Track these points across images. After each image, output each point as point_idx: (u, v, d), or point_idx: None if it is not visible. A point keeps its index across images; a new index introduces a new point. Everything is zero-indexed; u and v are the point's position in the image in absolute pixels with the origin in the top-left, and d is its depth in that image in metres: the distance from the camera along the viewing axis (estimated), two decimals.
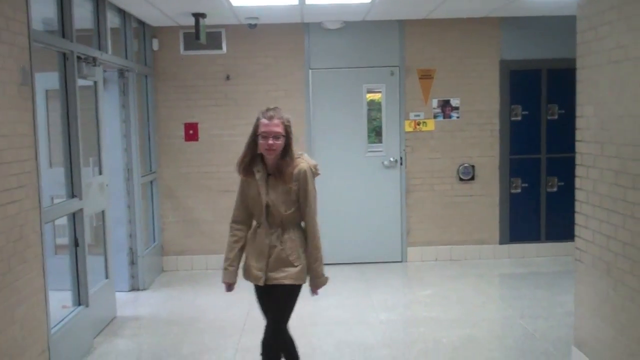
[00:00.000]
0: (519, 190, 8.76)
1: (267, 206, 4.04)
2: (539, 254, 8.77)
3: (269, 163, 4.07)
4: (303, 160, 4.11)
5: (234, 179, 4.36)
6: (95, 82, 6.38)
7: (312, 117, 8.62)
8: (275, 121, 3.99)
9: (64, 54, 5.60)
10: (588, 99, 4.70)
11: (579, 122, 4.87)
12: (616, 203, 4.36)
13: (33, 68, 4.77)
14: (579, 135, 4.89)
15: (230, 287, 4.29)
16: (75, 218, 5.68)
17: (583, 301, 4.97)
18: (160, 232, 8.60)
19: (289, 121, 4.06)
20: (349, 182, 8.69)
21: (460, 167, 8.66)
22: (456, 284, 7.65)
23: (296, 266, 4.11)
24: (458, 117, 8.63)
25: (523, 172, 8.73)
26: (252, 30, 8.32)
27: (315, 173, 4.13)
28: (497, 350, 5.67)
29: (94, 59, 6.12)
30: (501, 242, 8.81)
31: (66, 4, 5.63)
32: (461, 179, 8.68)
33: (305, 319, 6.38)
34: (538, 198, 8.77)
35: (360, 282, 7.87)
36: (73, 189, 5.66)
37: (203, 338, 6.09)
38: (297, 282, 4.14)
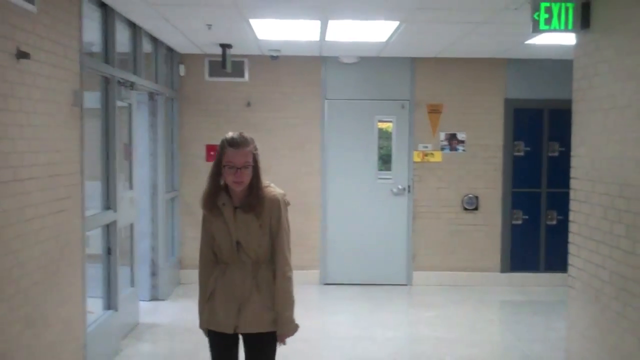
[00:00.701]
0: (520, 222, 9.23)
1: (238, 243, 3.59)
2: (537, 284, 9.19)
3: (236, 195, 3.59)
4: (273, 189, 3.67)
5: None
6: (129, 104, 6.90)
7: (327, 144, 9.13)
8: (243, 150, 3.53)
9: (106, 78, 6.13)
10: (581, 140, 5.21)
11: (574, 161, 5.37)
12: (604, 235, 4.84)
13: (82, 91, 5.31)
14: (573, 172, 5.39)
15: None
16: (109, 229, 6.18)
17: (574, 324, 5.43)
18: (180, 247, 9.08)
19: (256, 149, 3.62)
20: (359, 207, 9.17)
21: (465, 198, 9.14)
22: (458, 308, 8.10)
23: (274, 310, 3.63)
24: (464, 150, 9.14)
25: (524, 205, 9.22)
26: (274, 61, 8.87)
27: (286, 203, 3.70)
28: None
29: (132, 84, 6.65)
30: (502, 271, 9.25)
31: (110, 32, 6.16)
32: (465, 209, 9.16)
33: (316, 334, 6.85)
34: (538, 230, 9.23)
35: (368, 302, 8.32)
36: (109, 202, 6.17)
37: None
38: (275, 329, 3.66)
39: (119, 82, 6.31)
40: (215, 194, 3.60)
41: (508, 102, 9.09)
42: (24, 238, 4.26)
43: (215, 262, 3.71)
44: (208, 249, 3.72)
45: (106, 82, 6.13)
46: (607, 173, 4.79)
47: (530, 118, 9.12)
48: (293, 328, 3.67)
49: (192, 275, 9.21)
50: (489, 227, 9.21)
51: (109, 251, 6.15)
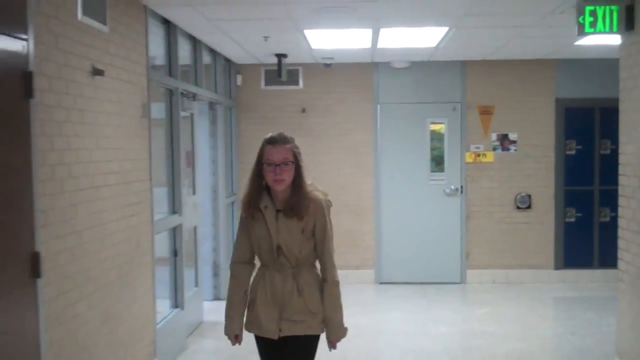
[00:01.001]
0: (573, 220, 9.32)
1: (278, 248, 3.50)
2: (591, 280, 9.25)
3: (278, 197, 3.50)
4: (317, 190, 3.58)
5: None
6: (192, 114, 7.28)
7: (379, 146, 9.38)
8: (282, 146, 3.45)
9: (170, 90, 6.50)
10: (629, 138, 5.35)
11: (621, 158, 5.51)
12: None
13: (150, 103, 5.68)
14: (621, 169, 5.53)
15: (237, 338, 3.73)
16: (175, 232, 6.55)
17: (623, 317, 5.56)
18: None
19: (297, 147, 3.51)
20: (413, 208, 9.39)
21: (518, 196, 9.27)
22: (511, 304, 8.24)
23: (316, 313, 3.55)
24: (516, 150, 9.28)
25: (577, 203, 9.30)
26: (327, 68, 9.16)
27: (329, 205, 3.60)
28: None
29: (194, 94, 7.02)
30: (556, 268, 9.34)
31: (173, 47, 6.54)
32: (518, 207, 9.29)
33: (372, 329, 7.10)
34: (591, 227, 9.30)
35: (422, 300, 8.54)
36: (174, 207, 6.54)
37: None
38: (318, 332, 3.62)
39: (181, 93, 6.67)
40: (258, 196, 3.50)
41: (559, 101, 9.19)
42: (101, 240, 4.64)
43: (249, 265, 3.68)
44: (245, 251, 3.65)
45: (170, 93, 6.50)
46: None
47: (581, 117, 9.21)
48: (343, 332, 3.63)
49: None
50: (542, 225, 9.32)
51: (175, 253, 6.52)
